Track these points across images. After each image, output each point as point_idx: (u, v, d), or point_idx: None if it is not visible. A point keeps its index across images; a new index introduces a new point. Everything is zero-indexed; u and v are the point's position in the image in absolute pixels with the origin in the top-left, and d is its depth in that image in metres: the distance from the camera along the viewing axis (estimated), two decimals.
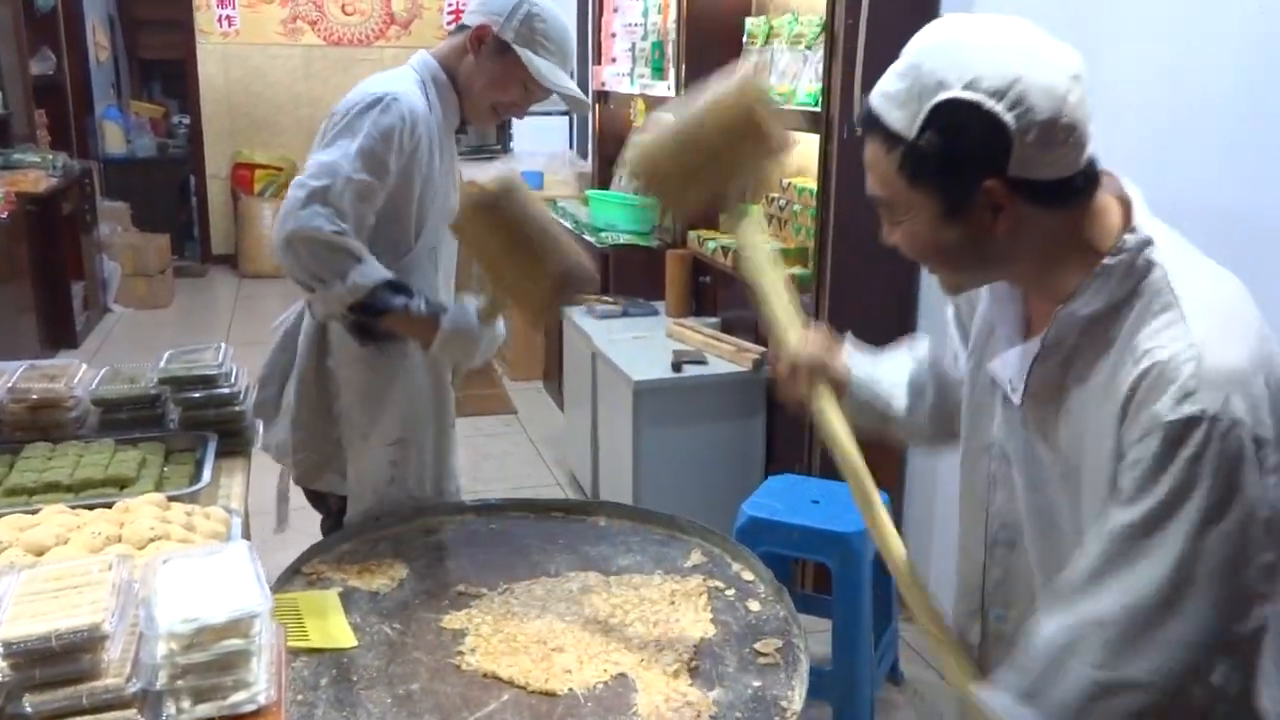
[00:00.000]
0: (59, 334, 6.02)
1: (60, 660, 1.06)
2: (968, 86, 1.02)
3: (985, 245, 1.10)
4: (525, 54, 1.97)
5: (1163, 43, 2.20)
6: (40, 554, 1.29)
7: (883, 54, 2.97)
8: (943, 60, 1.05)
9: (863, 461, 1.32)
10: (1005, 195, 1.05)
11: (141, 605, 1.14)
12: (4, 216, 4.98)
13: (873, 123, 1.11)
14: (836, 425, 1.34)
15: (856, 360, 1.46)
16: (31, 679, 1.06)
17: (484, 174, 1.89)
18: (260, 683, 1.13)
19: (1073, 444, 1.12)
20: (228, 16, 8.18)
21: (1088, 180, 1.09)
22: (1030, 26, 1.07)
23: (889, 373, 1.49)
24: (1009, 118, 1.01)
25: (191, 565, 1.22)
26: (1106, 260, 1.08)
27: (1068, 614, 1.05)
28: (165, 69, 9.62)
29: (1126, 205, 1.12)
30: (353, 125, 1.88)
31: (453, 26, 8.43)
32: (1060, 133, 1.03)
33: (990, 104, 1.02)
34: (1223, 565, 0.98)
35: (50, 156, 6.14)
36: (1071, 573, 1.07)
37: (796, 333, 1.40)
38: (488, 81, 2.03)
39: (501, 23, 1.98)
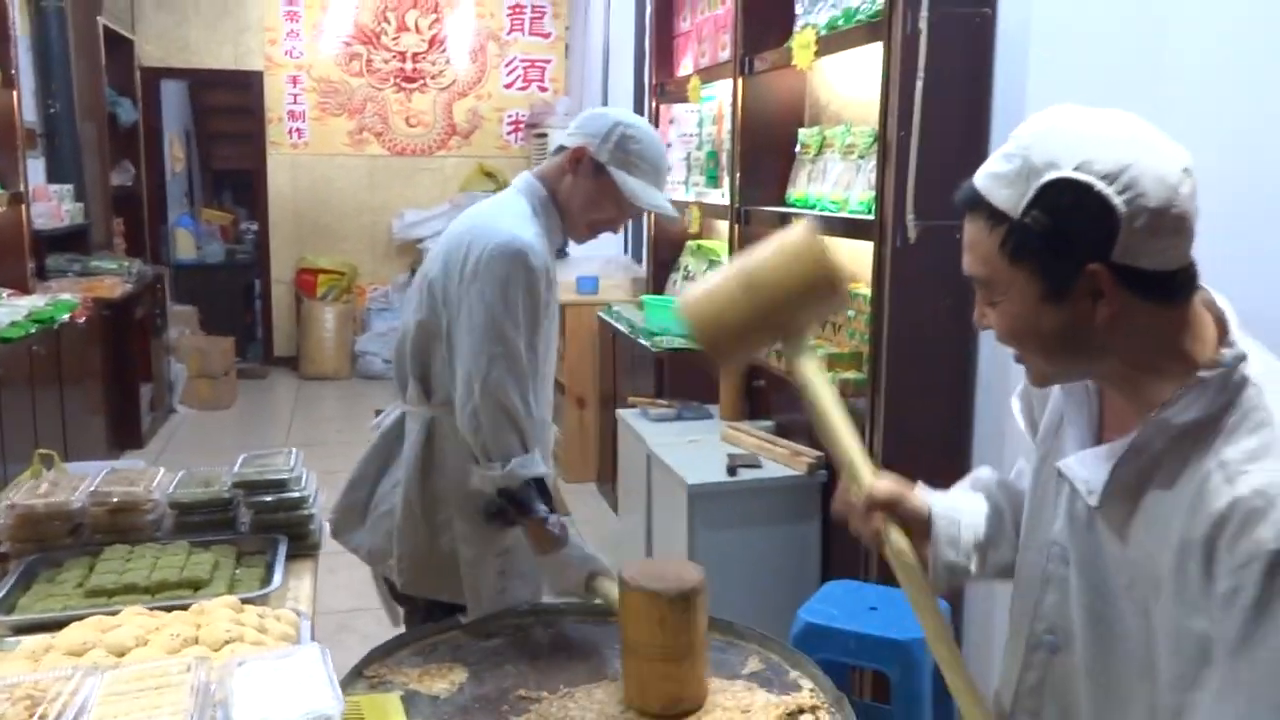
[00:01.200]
0: (126, 435, 6.18)
1: None
2: (1079, 168, 1.03)
3: (1083, 333, 1.09)
4: (619, 175, 2.05)
5: (1221, 158, 2.23)
6: (121, 655, 1.33)
7: (934, 163, 3.05)
8: (1055, 143, 1.06)
9: (935, 600, 1.30)
10: (1108, 281, 1.05)
11: (219, 707, 1.17)
12: (80, 321, 5.17)
13: (976, 201, 1.12)
14: (909, 558, 1.31)
15: (934, 497, 1.42)
16: None
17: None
18: None
19: (1149, 549, 1.10)
20: (298, 129, 8.53)
21: (1189, 279, 1.09)
22: (1141, 120, 1.09)
23: (968, 504, 1.45)
24: (1119, 201, 1.02)
25: (266, 667, 1.25)
26: (1203, 373, 1.07)
27: None
28: (235, 178, 10.04)
29: (1219, 318, 1.12)
30: (505, 283, 1.96)
31: (512, 135, 8.75)
32: (1169, 222, 1.03)
33: (1101, 186, 1.02)
34: None
35: (126, 263, 6.39)
36: None
37: (869, 470, 1.36)
38: (584, 200, 2.11)
39: (597, 145, 2.06)
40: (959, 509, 1.42)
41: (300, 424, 7.06)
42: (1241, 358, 1.08)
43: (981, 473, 1.51)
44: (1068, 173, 1.04)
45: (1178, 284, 1.08)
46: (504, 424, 1.95)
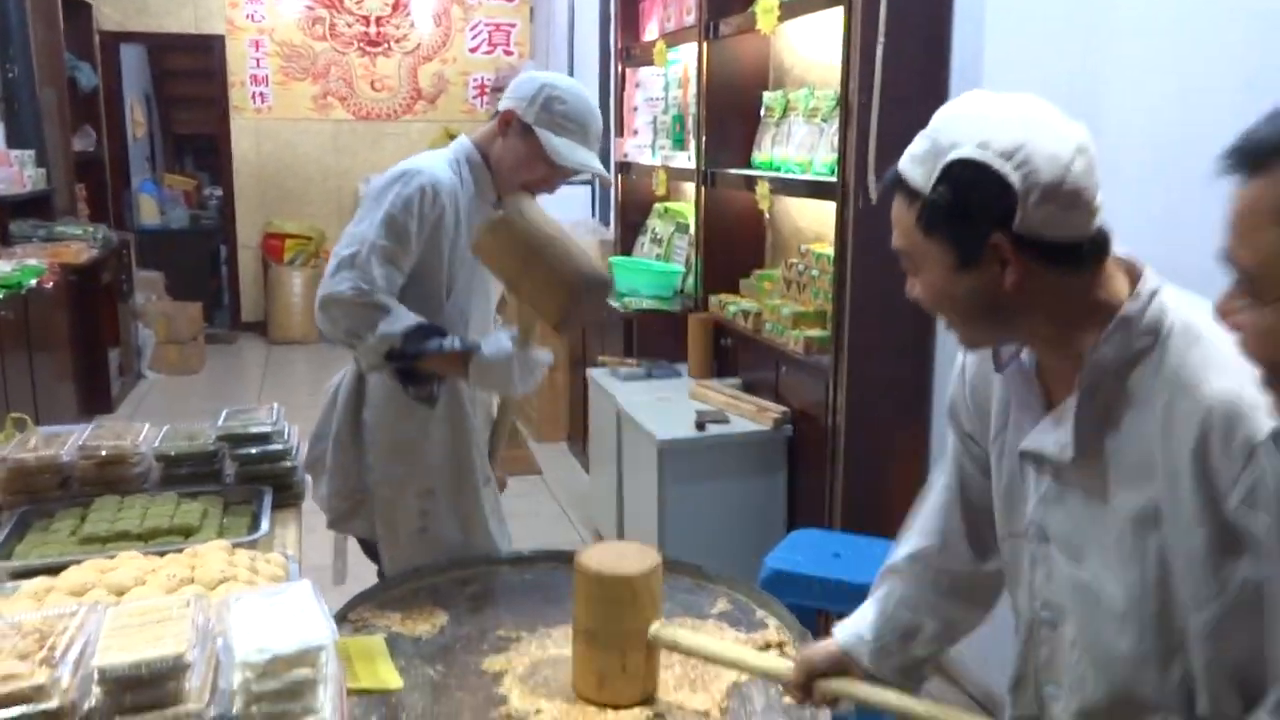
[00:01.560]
0: (95, 400, 6.17)
1: (147, 687, 1.16)
2: (979, 147, 1.13)
3: (995, 299, 1.17)
4: (545, 135, 2.12)
5: (1166, 111, 2.33)
6: (121, 594, 1.40)
7: (894, 126, 3.13)
8: (960, 125, 1.16)
9: (923, 706, 1.38)
10: (1010, 251, 1.13)
11: (219, 638, 1.24)
12: (48, 286, 5.16)
13: (898, 181, 1.21)
14: (872, 696, 1.42)
15: (840, 632, 1.53)
16: (122, 704, 1.15)
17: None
18: (326, 710, 1.22)
19: (1136, 491, 1.16)
20: (261, 94, 8.47)
21: (1096, 248, 1.17)
22: (1043, 103, 1.18)
23: (875, 612, 1.53)
24: (1015, 177, 1.11)
25: (261, 602, 1.32)
26: (1126, 308, 1.16)
27: None
28: (197, 143, 9.96)
29: (1130, 270, 1.20)
30: (379, 198, 2.08)
31: (477, 100, 8.73)
32: (1063, 197, 1.11)
33: (998, 164, 1.11)
34: None
35: (91, 229, 6.35)
36: None
37: (782, 666, 1.54)
38: (515, 161, 2.18)
39: (524, 106, 2.14)
40: (865, 624, 1.52)
41: (271, 388, 7.07)
42: (1157, 289, 1.17)
43: (892, 563, 1.57)
44: (968, 151, 1.13)
45: (1084, 253, 1.16)
46: (357, 308, 2.00)
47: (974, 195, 1.14)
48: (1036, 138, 1.12)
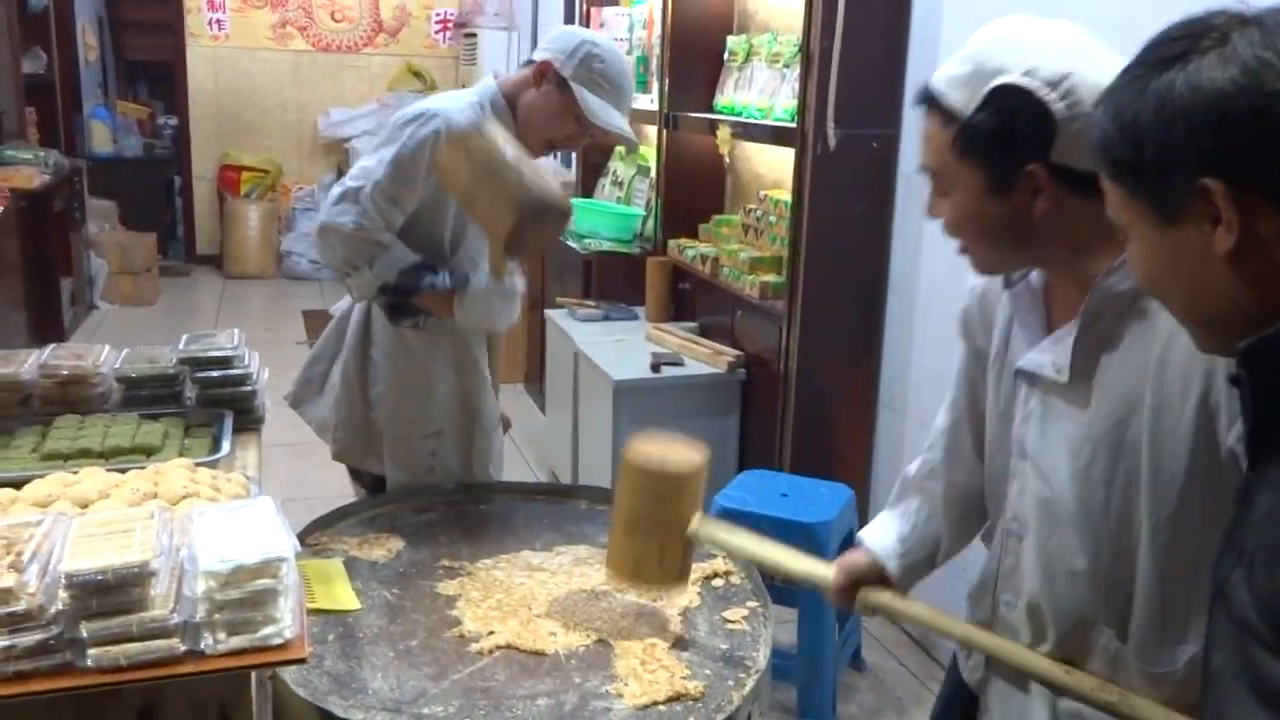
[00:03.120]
0: (47, 329, 6.08)
1: (113, 592, 1.20)
2: (1025, 74, 1.14)
3: (1022, 224, 1.19)
4: (581, 91, 2.12)
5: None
6: (85, 507, 1.43)
7: (855, 74, 3.15)
8: (1005, 51, 1.16)
9: (937, 613, 1.43)
10: (1045, 179, 1.16)
11: (182, 548, 1.28)
12: None
13: (932, 101, 1.22)
14: (905, 609, 1.47)
15: (872, 540, 1.55)
16: (88, 608, 1.20)
17: None
18: (286, 619, 1.28)
19: (1118, 415, 1.19)
20: (218, 20, 8.29)
21: None
22: (1083, 31, 1.19)
23: (899, 524, 1.56)
24: (1059, 106, 1.12)
25: (224, 516, 1.36)
26: None
27: None
28: (150, 70, 9.70)
29: None
30: (394, 136, 2.08)
31: (440, 34, 8.59)
32: None
33: (1043, 92, 1.13)
34: None
35: (42, 154, 6.22)
36: None
37: (821, 570, 1.53)
38: (544, 113, 2.17)
39: (563, 60, 2.13)
40: (893, 536, 1.55)
41: (226, 322, 7.02)
42: None
43: (909, 477, 1.61)
44: (1014, 78, 1.15)
45: None
46: (356, 241, 2.04)
47: (1016, 122, 1.15)
48: (1082, 67, 1.13)
